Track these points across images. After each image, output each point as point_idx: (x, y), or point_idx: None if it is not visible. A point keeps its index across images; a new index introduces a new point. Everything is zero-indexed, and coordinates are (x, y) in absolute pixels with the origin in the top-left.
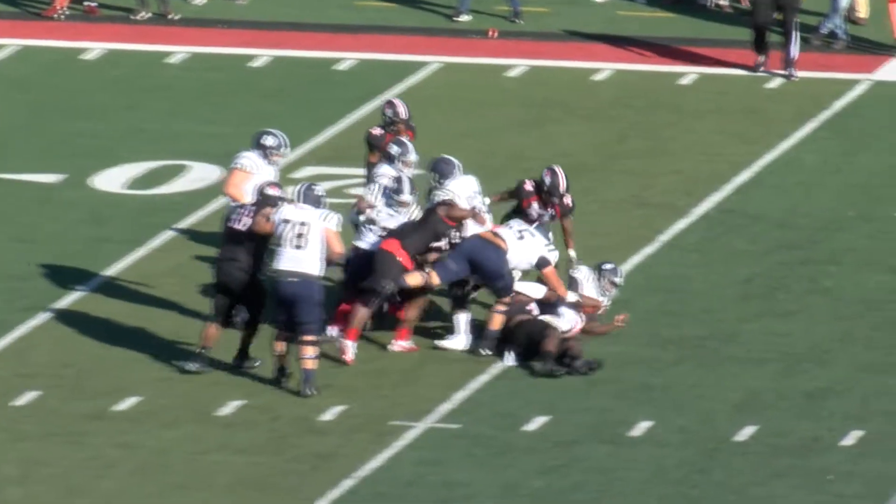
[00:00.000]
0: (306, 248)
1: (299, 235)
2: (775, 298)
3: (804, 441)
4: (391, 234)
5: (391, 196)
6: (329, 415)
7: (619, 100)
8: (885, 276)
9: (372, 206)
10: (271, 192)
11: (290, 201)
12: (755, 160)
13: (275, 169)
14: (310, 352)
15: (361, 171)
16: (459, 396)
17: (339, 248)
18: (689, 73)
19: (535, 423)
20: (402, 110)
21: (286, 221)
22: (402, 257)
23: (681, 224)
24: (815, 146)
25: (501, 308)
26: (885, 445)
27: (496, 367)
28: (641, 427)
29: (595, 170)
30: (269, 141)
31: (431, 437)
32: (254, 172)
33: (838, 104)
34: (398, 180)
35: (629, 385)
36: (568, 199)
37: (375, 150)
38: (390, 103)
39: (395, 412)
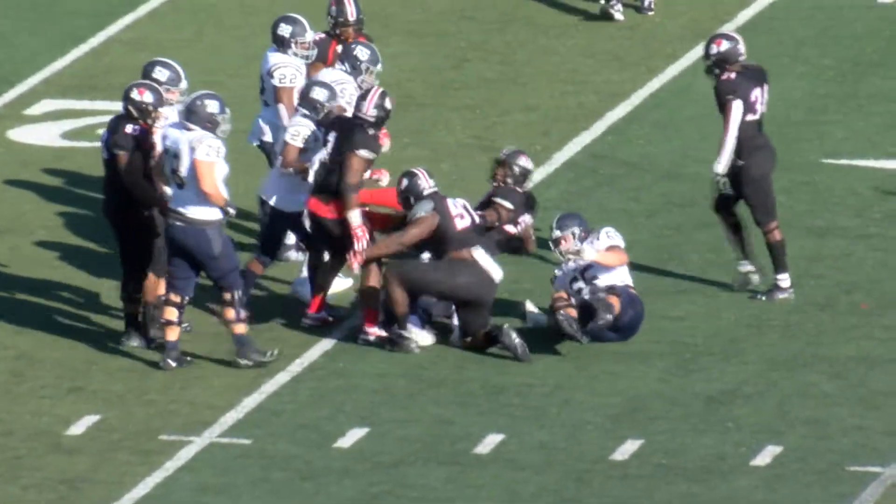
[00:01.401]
0: (187, 186)
1: (173, 170)
2: (664, 273)
3: (704, 461)
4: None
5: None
6: (79, 427)
7: (456, 11)
8: (808, 241)
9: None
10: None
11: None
12: (634, 89)
13: (172, 109)
14: (230, 314)
15: (116, 106)
16: (250, 403)
17: (207, 185)
18: None
19: (350, 437)
20: (351, 9)
21: (165, 150)
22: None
23: (537, 175)
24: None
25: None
26: (808, 466)
27: (297, 365)
28: (490, 443)
29: (425, 104)
30: (160, 74)
31: (214, 455)
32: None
33: (743, 15)
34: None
35: (473, 387)
36: None
37: (317, 62)
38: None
39: (166, 424)
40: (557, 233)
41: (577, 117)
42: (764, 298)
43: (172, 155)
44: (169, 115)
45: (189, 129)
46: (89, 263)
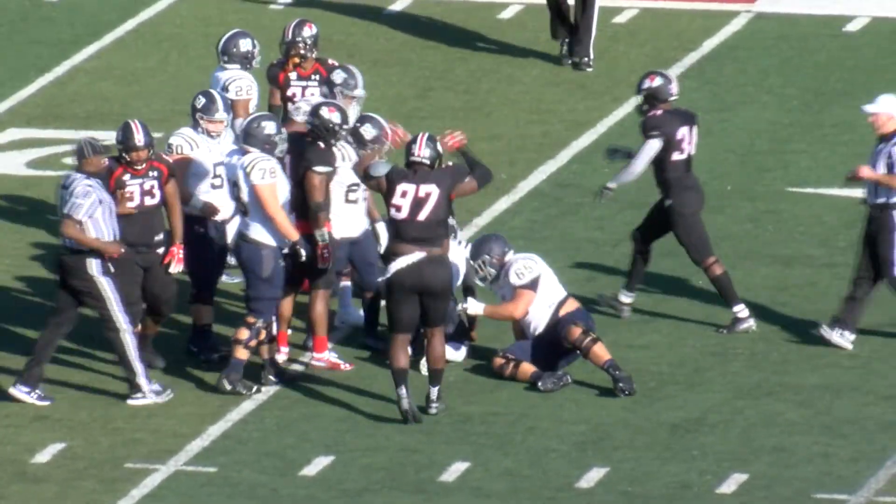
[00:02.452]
0: (250, 212)
1: (237, 198)
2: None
3: (669, 488)
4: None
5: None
6: (44, 455)
7: (419, 41)
8: (773, 269)
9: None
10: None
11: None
12: (600, 118)
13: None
14: (243, 334)
15: (80, 134)
16: (215, 431)
17: (271, 209)
18: (513, 4)
19: (315, 465)
20: (288, 32)
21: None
22: None
23: (502, 203)
24: (679, 101)
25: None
26: (774, 494)
27: (262, 393)
28: (455, 471)
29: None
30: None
31: (180, 483)
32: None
33: (709, 44)
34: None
35: (438, 416)
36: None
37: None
38: (298, 24)
39: (132, 452)
40: (471, 262)
41: (542, 146)
42: (726, 332)
43: (232, 183)
44: (223, 143)
45: (247, 152)
46: (54, 292)
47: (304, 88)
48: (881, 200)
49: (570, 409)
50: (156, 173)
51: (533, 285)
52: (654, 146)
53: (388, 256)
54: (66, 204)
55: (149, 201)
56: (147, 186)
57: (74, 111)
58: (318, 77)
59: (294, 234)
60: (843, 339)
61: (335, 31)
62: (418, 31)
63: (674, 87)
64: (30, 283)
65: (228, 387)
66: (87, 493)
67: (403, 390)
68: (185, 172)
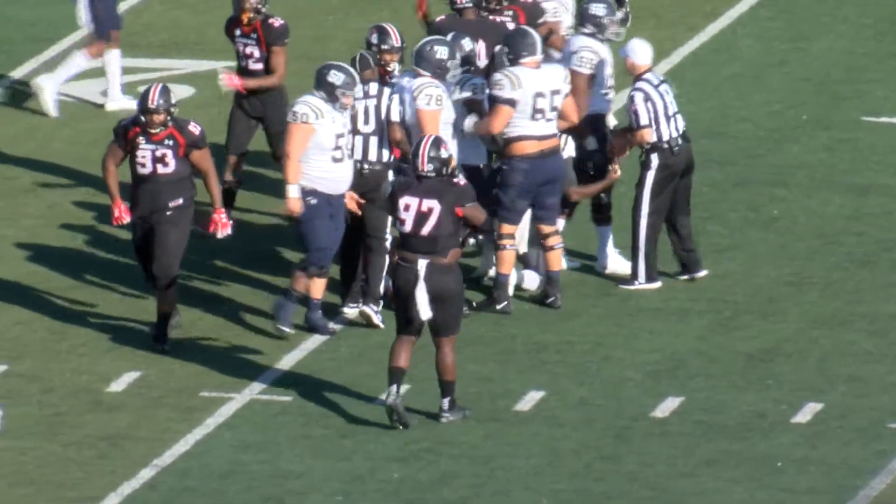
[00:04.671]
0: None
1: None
2: (705, 231)
3: (744, 418)
4: None
5: None
6: (119, 384)
7: None
8: (848, 198)
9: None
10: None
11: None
12: (673, 48)
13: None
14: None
15: (155, 63)
16: (290, 360)
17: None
18: None
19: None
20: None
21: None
22: None
23: None
24: (754, 28)
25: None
26: (848, 423)
27: (336, 323)
28: (530, 400)
29: None
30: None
31: (254, 412)
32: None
33: None
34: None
35: (513, 345)
36: None
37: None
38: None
39: (206, 381)
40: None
41: (616, 76)
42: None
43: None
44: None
45: (419, 76)
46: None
47: (244, 46)
48: None
49: (645, 339)
50: (171, 142)
51: (511, 103)
52: None
53: (395, 263)
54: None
55: (161, 169)
56: (159, 154)
57: (149, 39)
58: (255, 36)
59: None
60: None
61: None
62: None
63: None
64: (102, 214)
65: (286, 329)
66: (162, 422)
67: (394, 388)
68: (305, 143)
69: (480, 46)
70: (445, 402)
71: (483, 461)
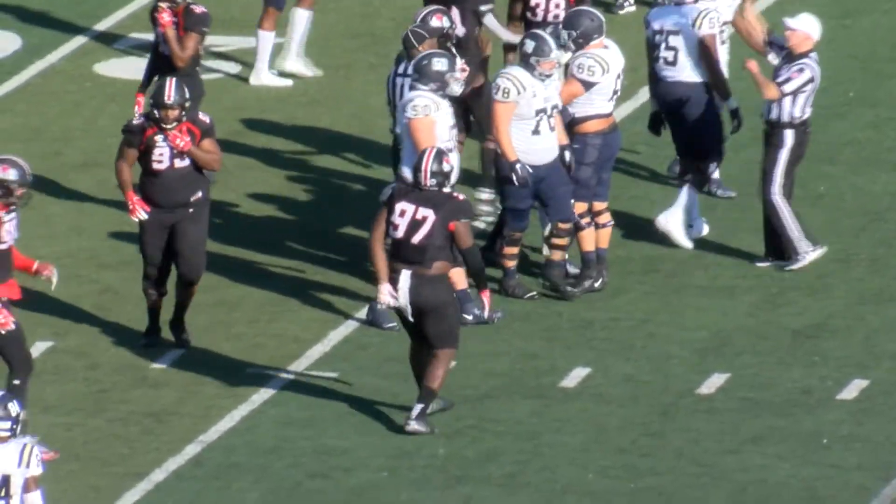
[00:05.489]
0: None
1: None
2: (752, 208)
3: (790, 394)
4: None
5: None
6: (164, 361)
7: None
8: (893, 175)
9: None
10: None
11: None
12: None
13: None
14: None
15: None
16: (336, 336)
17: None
18: None
19: None
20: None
21: None
22: None
23: (624, 110)
24: (800, 6)
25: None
26: (894, 400)
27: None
28: (575, 376)
29: None
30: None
31: (300, 389)
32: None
33: None
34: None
35: (559, 321)
36: None
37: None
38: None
39: (253, 357)
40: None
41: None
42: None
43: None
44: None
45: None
46: None
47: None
48: None
49: (691, 315)
50: (188, 137)
51: (587, 86)
52: None
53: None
54: None
55: (178, 163)
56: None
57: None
58: (176, 21)
59: (512, 155)
60: None
61: None
62: None
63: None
64: None
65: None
66: (208, 398)
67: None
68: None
69: (455, 14)
70: (417, 409)
71: (529, 437)
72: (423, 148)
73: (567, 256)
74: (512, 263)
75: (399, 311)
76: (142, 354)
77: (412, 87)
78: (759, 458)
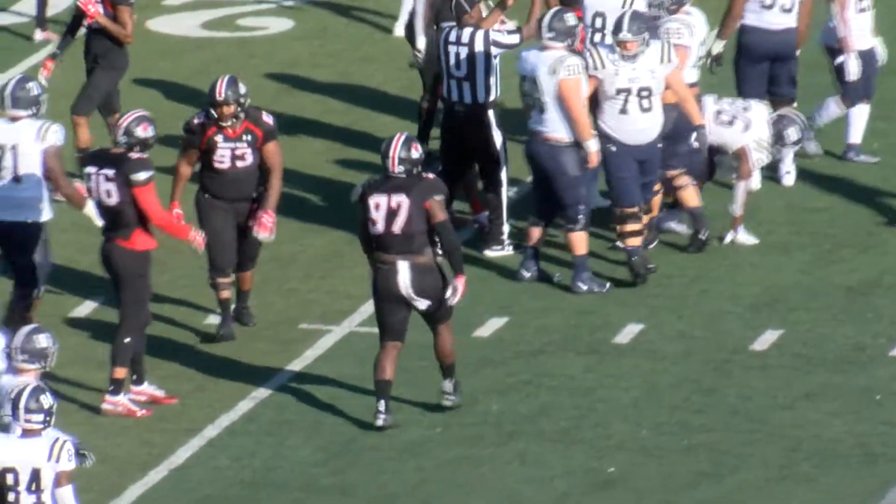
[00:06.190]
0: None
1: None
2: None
3: (843, 351)
4: None
5: None
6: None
7: None
8: None
9: None
10: None
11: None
12: None
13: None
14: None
15: None
16: None
17: (573, 107)
18: None
19: (489, 326)
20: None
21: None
22: None
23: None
24: None
25: None
26: None
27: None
28: (629, 332)
29: None
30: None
31: (353, 345)
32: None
33: None
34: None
35: (612, 278)
36: None
37: None
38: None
39: (305, 313)
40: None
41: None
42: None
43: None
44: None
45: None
46: None
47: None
48: None
49: (744, 271)
50: (249, 138)
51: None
52: None
53: (373, 265)
54: None
55: (240, 164)
56: (239, 152)
57: None
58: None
59: (589, 134)
60: None
61: None
62: None
63: None
64: None
65: (584, 287)
66: (261, 355)
67: (382, 405)
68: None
69: None
70: (448, 384)
71: (582, 393)
72: (574, 109)
73: (649, 237)
74: (634, 242)
75: (394, 305)
76: (195, 311)
77: (544, 48)
78: (812, 414)
